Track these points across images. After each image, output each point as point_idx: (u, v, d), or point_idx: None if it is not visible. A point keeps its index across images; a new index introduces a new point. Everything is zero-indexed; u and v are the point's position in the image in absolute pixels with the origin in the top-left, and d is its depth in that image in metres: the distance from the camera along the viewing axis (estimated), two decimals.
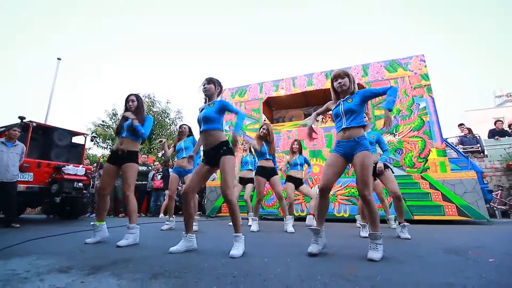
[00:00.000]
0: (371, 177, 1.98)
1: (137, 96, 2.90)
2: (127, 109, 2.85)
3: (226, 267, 1.65)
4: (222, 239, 2.80)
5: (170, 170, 7.24)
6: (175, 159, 4.37)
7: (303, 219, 5.14)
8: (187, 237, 2.19)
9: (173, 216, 3.96)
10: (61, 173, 5.00)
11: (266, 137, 3.83)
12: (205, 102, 2.42)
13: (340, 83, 2.13)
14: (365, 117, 2.96)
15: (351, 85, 2.13)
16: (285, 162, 4.53)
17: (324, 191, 2.06)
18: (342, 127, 2.09)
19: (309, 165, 4.55)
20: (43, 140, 5.58)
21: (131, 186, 2.67)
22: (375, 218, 1.93)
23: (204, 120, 2.29)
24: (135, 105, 2.83)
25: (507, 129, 7.55)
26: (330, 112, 2.27)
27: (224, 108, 2.31)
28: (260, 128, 3.94)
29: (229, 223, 4.25)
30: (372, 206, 1.92)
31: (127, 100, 2.85)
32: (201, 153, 2.40)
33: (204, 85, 2.36)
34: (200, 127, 2.34)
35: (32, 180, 4.80)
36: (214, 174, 5.52)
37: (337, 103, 2.19)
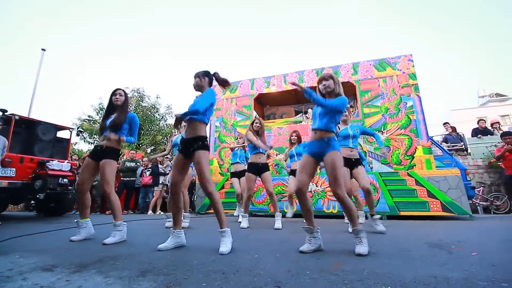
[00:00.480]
0: (343, 176, 2.01)
1: (124, 91, 2.83)
2: (111, 102, 2.76)
3: (216, 263, 1.65)
4: (212, 235, 2.78)
5: (159, 166, 7.15)
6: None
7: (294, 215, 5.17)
8: (175, 233, 2.17)
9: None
10: (45, 169, 4.84)
11: (259, 130, 3.82)
12: None
13: (324, 85, 2.17)
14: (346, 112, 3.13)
15: (336, 87, 2.16)
16: (284, 157, 4.59)
17: (300, 193, 2.09)
18: (313, 127, 2.16)
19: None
20: (26, 134, 5.38)
21: (111, 183, 2.58)
22: (353, 214, 1.97)
23: None
24: (122, 100, 2.75)
25: (490, 128, 7.81)
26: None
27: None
28: (252, 122, 3.93)
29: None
30: (347, 204, 1.97)
31: (114, 93, 2.75)
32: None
33: (193, 84, 2.38)
34: None
35: (14, 175, 4.63)
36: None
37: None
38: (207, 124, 2.33)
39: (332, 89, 2.16)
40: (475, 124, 8.02)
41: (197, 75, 2.37)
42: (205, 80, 2.36)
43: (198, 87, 2.36)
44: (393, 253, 1.89)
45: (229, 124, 6.49)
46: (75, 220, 2.63)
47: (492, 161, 6.65)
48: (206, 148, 2.20)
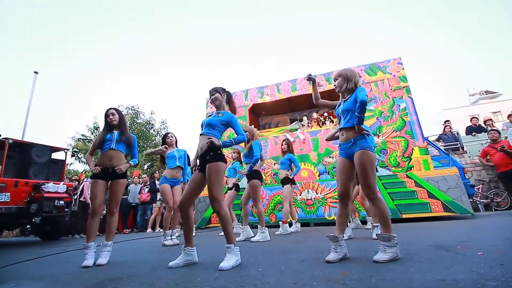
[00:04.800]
0: (374, 177, 1.92)
1: (116, 109, 2.84)
2: (108, 123, 2.75)
3: (220, 280, 1.60)
4: (214, 251, 2.73)
5: (157, 182, 7.07)
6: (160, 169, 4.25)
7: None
8: (186, 250, 2.11)
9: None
10: (40, 192, 4.76)
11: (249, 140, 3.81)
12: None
13: (335, 85, 2.17)
14: None
15: (348, 84, 2.08)
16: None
17: (342, 198, 2.03)
18: (340, 127, 2.11)
19: (296, 165, 4.33)
20: (21, 157, 5.32)
21: (119, 203, 2.63)
22: (386, 218, 1.88)
23: (206, 125, 2.26)
24: (116, 118, 2.76)
25: (483, 125, 7.91)
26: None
27: (229, 124, 2.29)
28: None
29: (220, 233, 4.17)
30: (380, 206, 1.90)
31: (107, 115, 2.77)
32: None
33: (211, 97, 2.36)
34: (201, 131, 2.30)
35: (9, 200, 4.53)
36: None
37: (338, 103, 2.19)
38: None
39: (342, 87, 2.11)
40: (468, 122, 8.12)
41: (216, 90, 2.35)
42: (224, 97, 2.38)
43: (218, 102, 2.33)
44: (399, 258, 1.86)
45: (225, 136, 6.48)
46: (84, 244, 2.46)
47: (489, 158, 6.69)
48: (217, 159, 2.10)
